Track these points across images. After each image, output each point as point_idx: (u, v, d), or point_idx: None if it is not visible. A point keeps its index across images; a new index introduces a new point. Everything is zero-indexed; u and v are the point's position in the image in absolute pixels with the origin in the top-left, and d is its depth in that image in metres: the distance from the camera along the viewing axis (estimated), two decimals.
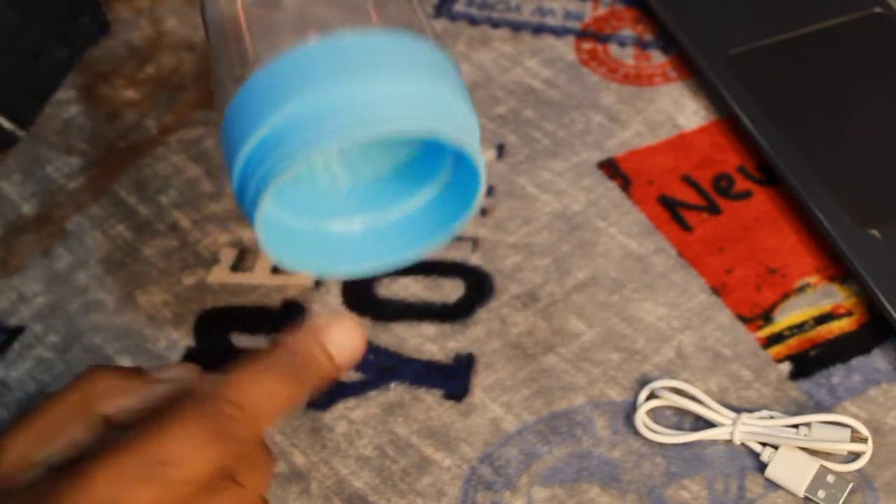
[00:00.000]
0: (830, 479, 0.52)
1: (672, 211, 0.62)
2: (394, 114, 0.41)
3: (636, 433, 0.54)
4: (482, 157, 0.45)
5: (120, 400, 0.44)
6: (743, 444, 0.53)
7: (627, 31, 0.70)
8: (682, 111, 0.66)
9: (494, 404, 0.56)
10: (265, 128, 0.41)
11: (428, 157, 0.47)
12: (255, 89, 0.42)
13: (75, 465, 0.40)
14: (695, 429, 0.54)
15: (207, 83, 0.70)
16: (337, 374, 0.43)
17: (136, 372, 0.45)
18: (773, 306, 0.58)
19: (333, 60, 0.41)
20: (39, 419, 0.43)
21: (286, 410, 0.42)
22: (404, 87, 0.42)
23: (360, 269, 0.46)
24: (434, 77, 0.43)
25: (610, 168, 0.64)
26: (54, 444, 0.42)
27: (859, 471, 0.52)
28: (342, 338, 0.43)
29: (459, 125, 0.43)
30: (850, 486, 0.52)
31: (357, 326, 0.43)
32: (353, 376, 0.57)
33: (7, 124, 0.53)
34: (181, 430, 0.40)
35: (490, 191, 0.64)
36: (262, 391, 0.41)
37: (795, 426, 0.53)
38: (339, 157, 0.48)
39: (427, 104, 0.42)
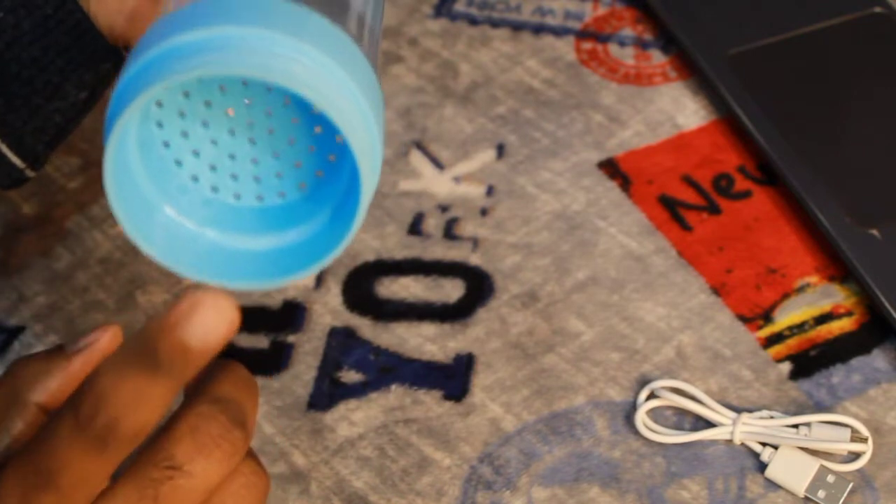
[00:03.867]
0: (830, 478, 0.52)
1: (672, 211, 0.62)
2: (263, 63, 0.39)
3: (636, 433, 0.54)
4: (371, 163, 0.41)
5: (45, 383, 0.43)
6: (743, 444, 0.53)
7: (627, 31, 0.71)
8: (682, 111, 0.66)
9: (494, 404, 0.56)
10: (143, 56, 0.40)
11: (332, 181, 0.44)
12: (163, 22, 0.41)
13: None
14: (695, 429, 0.54)
15: None
16: (204, 359, 0.38)
17: (57, 350, 0.44)
18: (773, 306, 0.58)
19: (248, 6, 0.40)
20: None
21: (160, 408, 0.39)
22: (299, 53, 0.39)
23: (239, 282, 0.43)
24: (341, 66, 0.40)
25: (610, 168, 0.64)
26: None
27: (859, 471, 0.52)
28: (205, 323, 0.38)
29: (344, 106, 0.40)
30: (850, 485, 0.52)
31: (223, 300, 0.37)
32: (354, 377, 0.57)
33: (16, 160, 0.53)
34: (58, 442, 0.39)
35: (490, 191, 0.64)
36: (126, 392, 0.39)
37: (795, 426, 0.53)
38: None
39: (315, 73, 0.40)
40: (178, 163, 0.43)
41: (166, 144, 0.43)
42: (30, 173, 0.54)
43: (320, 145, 0.43)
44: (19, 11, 0.50)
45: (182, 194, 0.43)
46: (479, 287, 0.60)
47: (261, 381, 0.57)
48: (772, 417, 0.54)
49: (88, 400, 0.39)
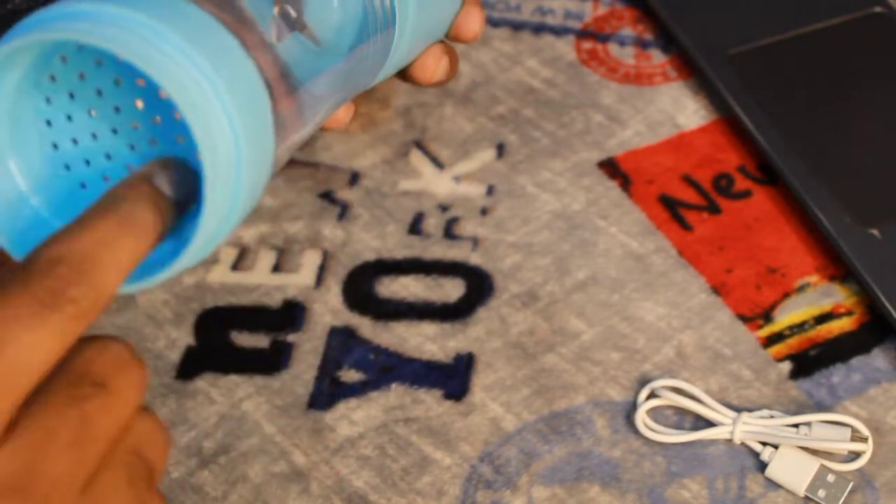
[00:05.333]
0: (831, 478, 0.52)
1: (672, 210, 0.62)
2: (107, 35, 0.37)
3: (636, 432, 0.54)
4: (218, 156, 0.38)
5: None
6: (743, 444, 0.53)
7: (627, 31, 0.71)
8: (683, 111, 0.66)
9: (494, 403, 0.56)
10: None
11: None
12: None
13: None
14: (695, 428, 0.54)
15: None
16: (171, 213, 0.38)
17: None
18: (774, 306, 0.58)
19: None
20: None
21: (130, 259, 0.36)
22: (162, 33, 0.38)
23: None
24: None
25: (610, 167, 0.64)
26: None
27: (859, 470, 0.52)
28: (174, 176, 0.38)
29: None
30: (851, 485, 0.52)
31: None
32: (355, 377, 0.57)
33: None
34: (1, 310, 0.34)
35: (490, 190, 0.64)
36: (92, 241, 0.35)
37: (796, 425, 0.53)
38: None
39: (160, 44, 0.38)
40: (55, 146, 0.42)
41: (49, 123, 0.41)
42: None
43: (200, 171, 0.40)
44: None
45: (48, 179, 0.41)
46: (479, 287, 0.60)
47: (261, 380, 0.57)
48: (772, 417, 0.54)
49: (42, 251, 0.35)
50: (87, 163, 0.42)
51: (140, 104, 0.41)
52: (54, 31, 0.38)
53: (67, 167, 0.42)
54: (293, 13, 0.45)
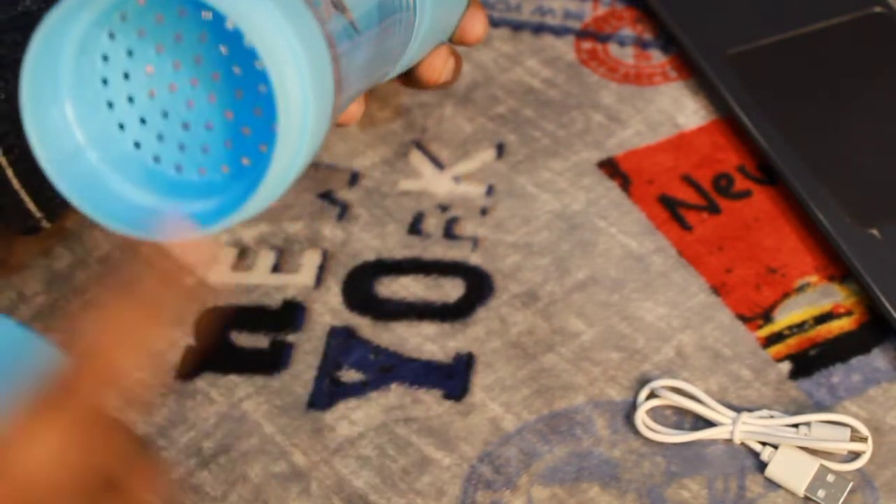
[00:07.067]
0: (830, 478, 0.52)
1: (672, 210, 0.62)
2: None
3: (636, 432, 0.54)
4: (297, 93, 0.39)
5: None
6: (743, 444, 0.53)
7: (627, 31, 0.71)
8: (682, 111, 0.66)
9: (494, 403, 0.56)
10: None
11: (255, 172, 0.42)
12: None
13: None
14: (695, 428, 0.54)
15: None
16: None
17: None
18: (773, 306, 0.58)
19: None
20: None
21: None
22: None
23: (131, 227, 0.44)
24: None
25: (610, 167, 0.64)
26: None
27: (859, 470, 0.52)
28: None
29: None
30: (850, 485, 0.52)
31: None
32: (354, 377, 0.57)
33: (34, 208, 0.54)
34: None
35: (490, 190, 0.64)
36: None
37: (795, 425, 0.53)
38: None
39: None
40: (111, 105, 0.42)
41: (105, 82, 0.42)
42: (45, 224, 0.54)
43: (256, 129, 0.42)
44: None
45: (106, 139, 0.42)
46: (479, 287, 0.60)
47: (261, 380, 0.57)
48: (772, 417, 0.54)
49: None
50: (143, 121, 0.43)
51: (199, 59, 0.42)
52: None
53: (122, 126, 0.42)
54: None
